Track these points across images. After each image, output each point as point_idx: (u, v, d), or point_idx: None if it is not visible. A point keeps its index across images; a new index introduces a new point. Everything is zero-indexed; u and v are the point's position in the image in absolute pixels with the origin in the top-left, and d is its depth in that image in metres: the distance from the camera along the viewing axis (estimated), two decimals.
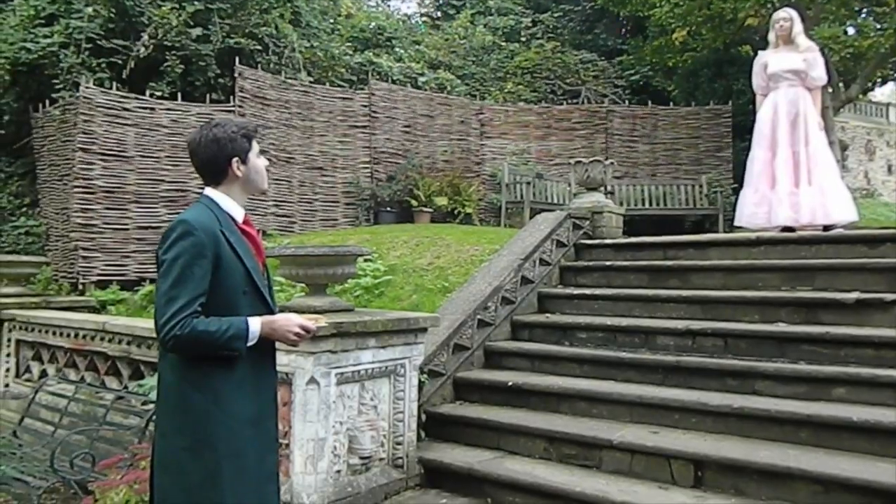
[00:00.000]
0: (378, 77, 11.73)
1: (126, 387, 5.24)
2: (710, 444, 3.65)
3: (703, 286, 5.18)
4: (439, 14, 18.49)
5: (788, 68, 6.17)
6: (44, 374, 6.25)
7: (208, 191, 2.36)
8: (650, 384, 4.36)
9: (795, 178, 5.97)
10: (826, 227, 5.75)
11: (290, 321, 2.28)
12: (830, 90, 7.46)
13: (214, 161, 2.33)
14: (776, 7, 10.79)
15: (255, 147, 2.42)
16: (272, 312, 2.35)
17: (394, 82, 11.94)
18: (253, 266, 2.29)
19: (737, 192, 11.79)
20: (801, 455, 3.41)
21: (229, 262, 2.22)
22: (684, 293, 5.08)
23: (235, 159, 2.34)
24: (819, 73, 6.08)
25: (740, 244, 5.51)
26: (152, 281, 7.82)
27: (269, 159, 2.49)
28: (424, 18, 18.89)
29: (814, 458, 3.36)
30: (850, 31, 13.42)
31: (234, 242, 2.25)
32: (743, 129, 12.44)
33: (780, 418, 3.66)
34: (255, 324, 2.22)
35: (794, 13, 6.29)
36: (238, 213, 2.36)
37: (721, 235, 7.09)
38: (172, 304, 2.10)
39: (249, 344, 2.20)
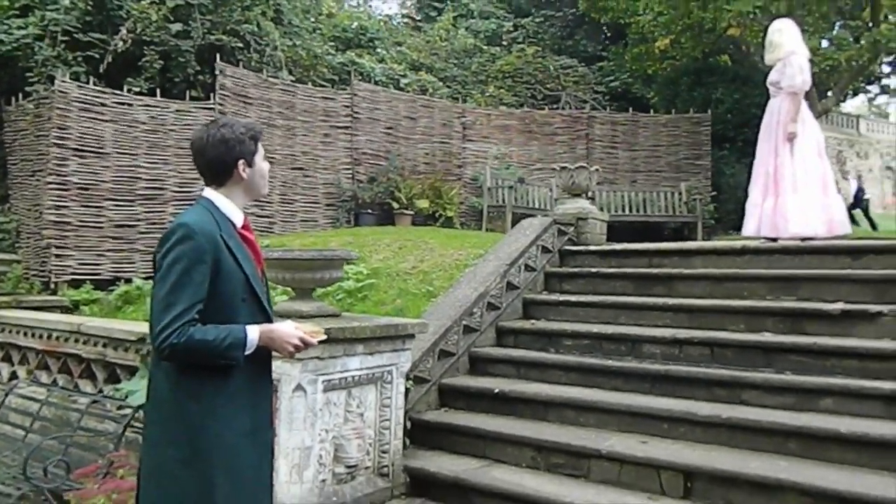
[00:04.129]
0: (360, 78, 11.65)
1: (101, 391, 5.09)
2: (700, 455, 3.64)
3: (689, 294, 5.18)
4: (421, 16, 18.44)
5: (769, 80, 6.23)
6: (14, 376, 6.06)
7: (208, 192, 2.28)
8: (638, 393, 4.35)
9: (765, 189, 6.01)
10: (805, 239, 5.79)
11: (289, 333, 2.21)
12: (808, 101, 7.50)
13: (221, 161, 2.25)
14: (757, 18, 10.97)
15: (261, 150, 2.34)
16: (270, 320, 2.28)
17: (376, 83, 11.87)
18: (252, 272, 2.22)
19: (715, 199, 12.02)
20: (790, 466, 3.41)
21: (229, 269, 2.14)
22: (670, 301, 5.08)
23: (242, 161, 2.27)
24: (788, 81, 6.02)
25: (725, 253, 5.54)
26: (127, 280, 7.66)
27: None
28: (406, 20, 18.82)
29: (803, 469, 3.36)
30: (824, 43, 13.67)
31: (234, 248, 2.18)
32: (722, 138, 12.63)
33: (770, 429, 3.66)
34: (254, 332, 2.14)
35: (773, 26, 6.32)
36: (238, 217, 2.28)
37: (706, 244, 7.12)
38: (169, 311, 2.03)
39: (247, 353, 2.13)
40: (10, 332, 6.09)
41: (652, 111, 13.36)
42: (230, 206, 2.28)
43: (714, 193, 12.17)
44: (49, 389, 5.26)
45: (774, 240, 5.80)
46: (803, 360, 4.10)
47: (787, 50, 6.07)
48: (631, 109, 13.16)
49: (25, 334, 5.92)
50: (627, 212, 11.77)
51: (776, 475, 3.32)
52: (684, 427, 3.91)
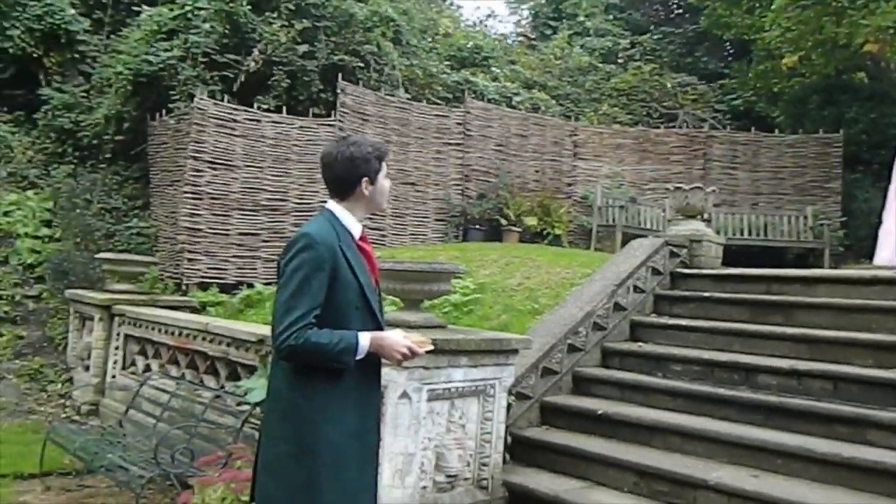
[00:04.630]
0: (473, 95, 11.84)
1: (223, 386, 5.44)
2: (817, 494, 3.44)
3: (810, 324, 4.90)
4: (536, 34, 18.50)
5: None
6: (147, 368, 6.58)
7: (331, 204, 2.43)
8: (750, 424, 4.16)
9: None
10: None
11: (398, 343, 2.31)
12: None
13: (346, 178, 2.40)
14: None
15: (384, 168, 2.48)
16: (381, 328, 2.39)
17: (489, 101, 12.02)
18: (366, 282, 2.34)
19: (845, 225, 11.25)
20: None
21: (345, 277, 2.28)
22: (789, 331, 4.83)
23: (365, 179, 2.40)
24: None
25: (853, 282, 5.20)
26: (250, 285, 8.15)
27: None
28: (521, 38, 18.95)
29: None
30: None
31: (351, 258, 2.31)
32: (854, 160, 11.83)
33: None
34: (365, 339, 2.26)
35: None
36: (356, 229, 2.42)
37: (831, 272, 6.70)
38: (290, 315, 2.18)
39: (358, 358, 2.25)
40: (146, 327, 6.62)
41: (777, 131, 12.72)
42: (350, 218, 2.42)
43: (844, 219, 11.39)
44: (178, 382, 5.69)
45: None
46: None
47: None
48: (753, 129, 12.60)
49: (159, 330, 6.42)
50: (746, 235, 11.24)
51: None
52: (799, 464, 3.71)
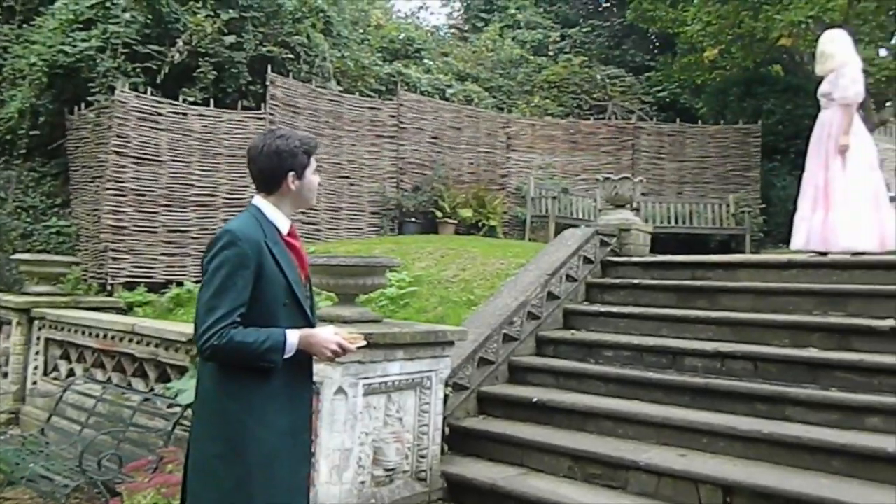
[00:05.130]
0: (406, 88, 11.81)
1: (153, 389, 5.27)
2: (740, 470, 3.60)
3: (733, 308, 5.12)
4: (468, 27, 18.58)
5: (820, 92, 6.12)
6: (71, 373, 6.31)
7: (257, 200, 2.38)
8: (678, 406, 4.32)
9: (815, 202, 5.88)
10: (855, 254, 5.65)
11: (328, 339, 2.28)
12: (863, 112, 7.27)
13: (272, 172, 2.35)
14: (810, 27, 10.74)
15: (313, 163, 2.44)
16: (311, 325, 2.36)
17: (422, 93, 12.01)
18: (295, 279, 2.31)
19: (764, 212, 11.77)
20: (833, 485, 3.35)
21: (271, 274, 2.24)
22: (713, 314, 5.03)
23: (292, 174, 2.36)
24: (841, 93, 5.88)
25: (771, 266, 5.45)
26: (179, 284, 7.92)
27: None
28: (453, 30, 18.99)
29: (847, 488, 3.30)
30: (883, 52, 13.29)
31: (278, 254, 2.27)
32: (772, 149, 12.38)
33: (812, 446, 3.60)
34: (293, 336, 2.22)
35: (825, 37, 6.20)
36: (284, 225, 2.37)
37: (751, 257, 7.01)
38: (212, 314, 2.13)
39: (286, 356, 2.21)
40: (69, 330, 6.35)
41: (700, 122, 13.18)
42: (277, 213, 2.37)
43: (763, 206, 11.92)
44: (104, 387, 5.47)
45: (824, 254, 5.68)
46: (850, 377, 4.02)
47: (840, 61, 5.95)
48: (679, 120, 13.02)
49: (83, 333, 6.16)
50: (673, 223, 11.62)
51: (819, 493, 3.27)
52: (724, 441, 3.87)
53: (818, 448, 3.58)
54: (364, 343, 2.41)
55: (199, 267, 2.32)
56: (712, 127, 12.78)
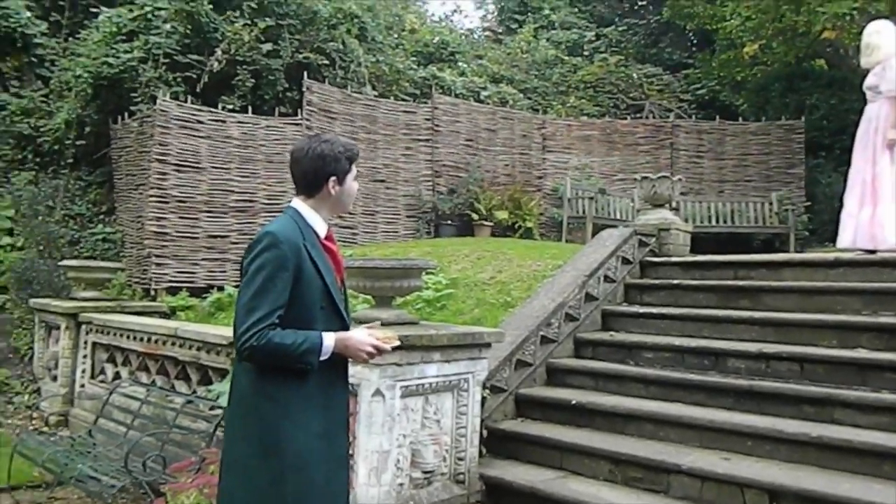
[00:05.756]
0: (441, 91, 11.83)
1: (195, 391, 5.37)
2: (787, 474, 3.50)
3: (777, 308, 4.99)
4: (502, 29, 18.54)
5: (866, 85, 5.94)
6: (117, 376, 6.47)
7: (296, 202, 2.41)
8: (721, 408, 4.22)
9: (862, 199, 5.72)
10: None
11: (363, 342, 2.29)
12: None
13: (314, 175, 2.38)
14: (854, 19, 10.44)
15: (354, 170, 2.46)
16: (347, 328, 2.37)
17: (456, 96, 12.02)
18: (331, 282, 2.33)
19: (809, 210, 11.47)
20: (885, 489, 3.23)
21: (309, 277, 2.26)
22: (756, 315, 4.91)
23: (333, 178, 2.38)
24: (888, 85, 5.70)
25: (817, 265, 5.31)
26: (220, 288, 8.05)
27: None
28: (487, 33, 18.97)
29: None
30: None
31: (316, 257, 2.29)
32: (816, 146, 12.07)
33: (862, 450, 3.49)
34: (330, 339, 2.24)
35: (870, 28, 6.02)
36: (322, 229, 2.40)
37: (796, 256, 6.83)
38: (252, 315, 2.15)
39: (322, 358, 2.22)
40: (115, 334, 6.51)
41: (741, 119, 12.91)
42: (315, 217, 2.39)
43: (808, 204, 11.61)
44: (148, 389, 5.60)
45: (872, 252, 5.50)
46: None
47: (886, 52, 5.78)
48: (718, 118, 12.78)
49: (128, 337, 6.31)
50: (714, 223, 11.40)
51: (869, 498, 3.16)
52: (770, 445, 3.77)
53: (868, 452, 3.46)
54: (398, 342, 2.41)
55: (239, 271, 2.36)
56: (753, 124, 12.50)
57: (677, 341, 4.93)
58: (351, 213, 9.88)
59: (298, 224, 2.33)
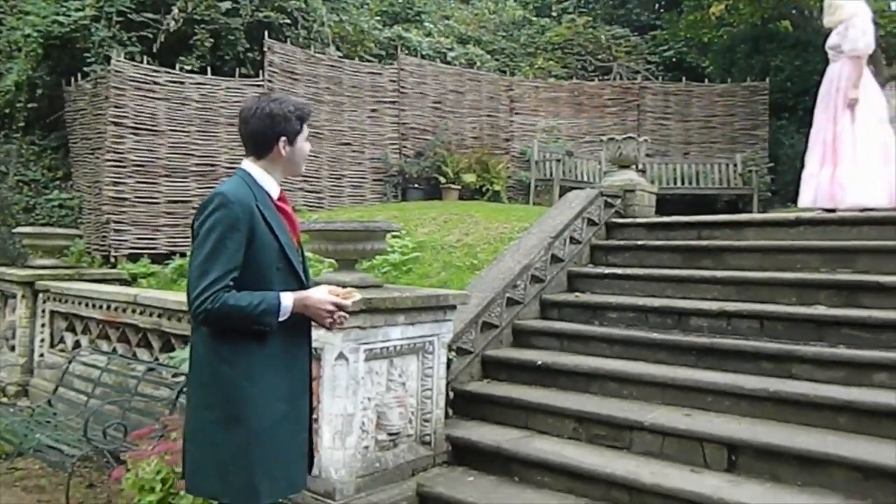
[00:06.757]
0: (407, 52, 11.61)
1: (157, 359, 5.29)
2: (745, 428, 3.57)
3: (739, 267, 5.06)
4: None
5: (829, 44, 5.96)
6: (77, 344, 6.35)
7: (246, 164, 2.33)
8: (683, 366, 4.28)
9: (823, 159, 5.79)
10: (864, 210, 5.55)
11: (322, 300, 2.24)
12: (873, 66, 7.03)
13: (263, 135, 2.30)
14: None
15: (305, 131, 2.38)
16: (305, 289, 2.32)
17: (423, 57, 11.81)
18: (287, 242, 2.27)
19: (772, 171, 11.61)
20: (840, 441, 3.32)
21: (263, 238, 2.19)
22: (719, 274, 4.97)
23: (283, 139, 2.31)
24: (851, 45, 5.73)
25: (778, 224, 5.37)
26: (182, 255, 7.90)
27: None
28: None
29: (854, 444, 3.27)
30: (894, 4, 12.96)
31: (269, 218, 2.22)
32: (780, 107, 12.17)
33: (819, 403, 3.57)
34: (288, 299, 2.19)
35: None
36: (274, 190, 2.33)
37: (757, 215, 6.93)
38: (205, 278, 2.09)
39: (281, 319, 2.17)
40: (74, 303, 6.36)
41: (707, 81, 12.94)
42: (267, 178, 2.32)
43: (771, 165, 11.75)
44: (109, 357, 5.50)
45: (832, 211, 5.60)
46: (857, 333, 3.98)
47: (849, 11, 5.79)
48: (685, 79, 12.79)
49: (87, 305, 6.18)
50: (679, 184, 11.50)
51: (825, 450, 3.24)
52: (730, 401, 3.84)
53: (824, 405, 3.54)
54: (359, 297, 2.37)
55: (190, 235, 2.28)
56: (719, 86, 12.56)
57: (641, 301, 4.97)
58: (317, 177, 9.74)
59: (250, 185, 2.26)
